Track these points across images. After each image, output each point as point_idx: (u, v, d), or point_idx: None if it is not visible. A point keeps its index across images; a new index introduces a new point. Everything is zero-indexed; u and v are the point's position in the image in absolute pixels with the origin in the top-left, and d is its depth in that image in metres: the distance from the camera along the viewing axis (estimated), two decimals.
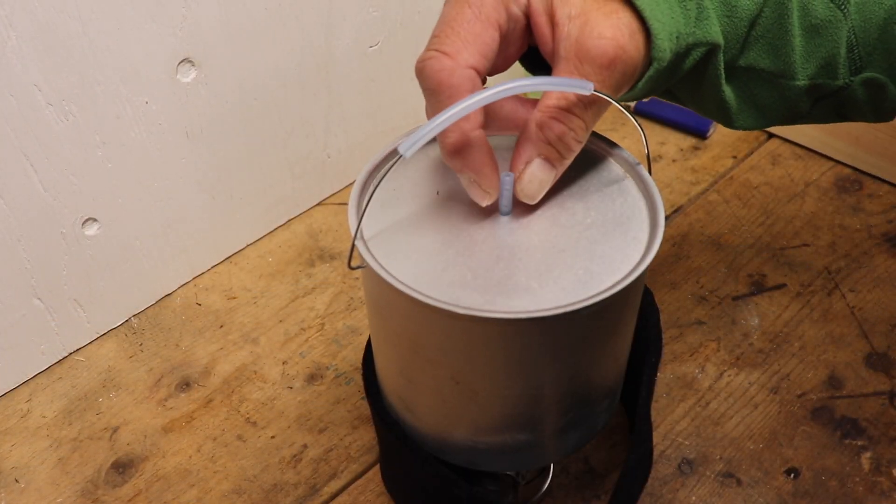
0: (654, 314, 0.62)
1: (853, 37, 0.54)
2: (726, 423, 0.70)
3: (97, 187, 0.71)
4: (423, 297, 0.45)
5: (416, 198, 0.52)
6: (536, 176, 0.48)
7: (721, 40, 0.53)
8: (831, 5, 0.54)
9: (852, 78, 0.55)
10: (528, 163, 0.48)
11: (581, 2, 0.47)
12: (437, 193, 0.52)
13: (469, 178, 0.48)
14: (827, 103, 0.57)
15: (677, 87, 0.58)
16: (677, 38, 0.51)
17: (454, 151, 0.46)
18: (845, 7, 0.54)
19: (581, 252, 0.48)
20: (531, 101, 0.50)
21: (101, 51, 0.66)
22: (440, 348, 0.48)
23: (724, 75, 0.55)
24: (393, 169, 0.52)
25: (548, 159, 0.48)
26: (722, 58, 0.54)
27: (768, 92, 0.57)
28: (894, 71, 0.54)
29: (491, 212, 0.50)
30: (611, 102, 0.48)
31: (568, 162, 0.49)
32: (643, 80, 0.50)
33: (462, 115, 0.44)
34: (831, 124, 0.92)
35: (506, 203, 0.49)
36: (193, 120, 0.75)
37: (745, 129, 0.59)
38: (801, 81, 0.55)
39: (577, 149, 0.49)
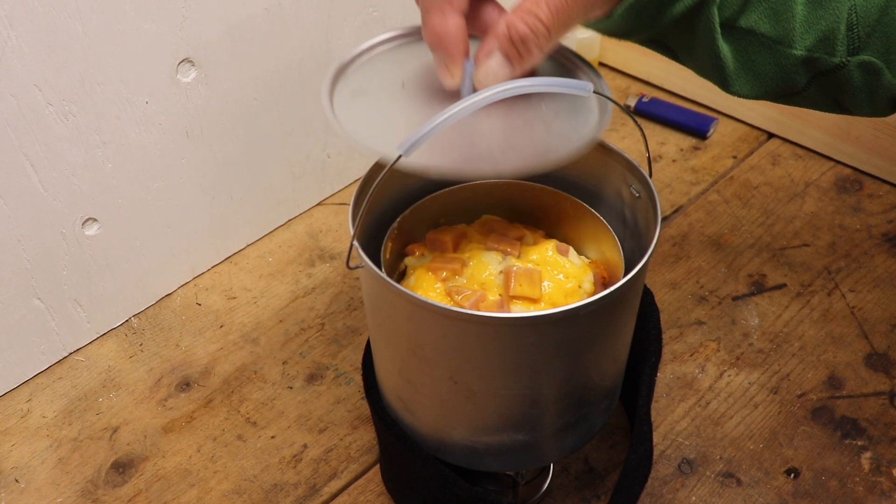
0: (654, 314, 0.62)
1: (854, 15, 0.55)
2: (726, 423, 0.70)
3: (97, 187, 0.72)
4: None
5: (383, 89, 0.54)
6: (492, 69, 0.50)
7: None
8: None
9: (849, 58, 0.55)
10: (488, 55, 0.50)
11: None
12: (402, 85, 0.54)
13: (440, 57, 0.51)
14: (823, 83, 0.57)
15: (670, 38, 0.58)
16: None
17: (434, 31, 0.50)
18: None
19: (538, 130, 0.51)
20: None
21: (101, 51, 0.66)
22: (438, 348, 0.48)
23: (719, 31, 0.56)
24: (360, 66, 0.56)
25: (507, 56, 0.50)
26: (717, 11, 0.55)
27: (765, 58, 0.57)
28: (890, 56, 0.55)
29: (453, 98, 0.52)
30: (576, 26, 0.51)
31: (527, 65, 0.51)
32: (622, 6, 0.52)
33: (462, 115, 0.44)
34: (832, 124, 0.93)
35: (467, 89, 0.51)
36: (193, 120, 0.75)
37: (741, 95, 0.59)
38: (799, 51, 0.56)
39: (537, 54, 0.50)
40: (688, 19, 0.55)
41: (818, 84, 0.57)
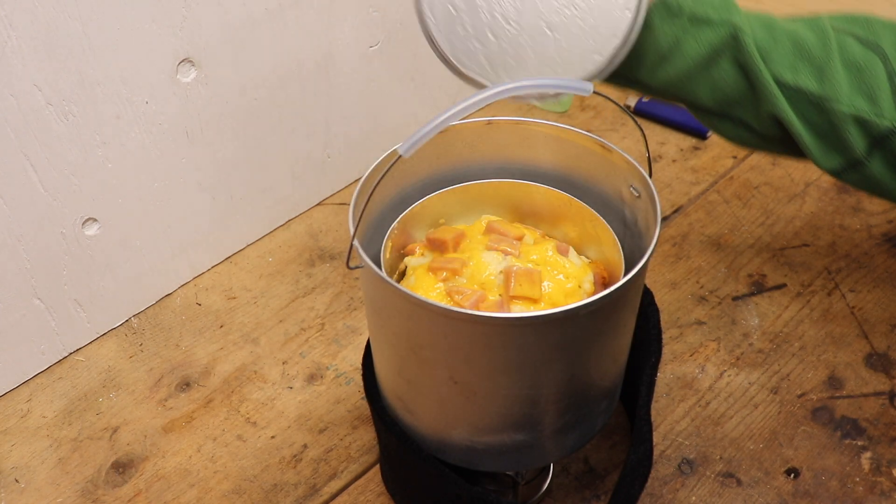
0: (654, 314, 0.62)
1: None
2: (726, 423, 0.70)
3: (97, 187, 0.72)
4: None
5: None
6: None
7: (742, 25, 0.59)
8: (865, 49, 0.60)
9: None
10: None
11: None
12: None
13: None
14: (885, 153, 0.60)
15: (734, 107, 0.63)
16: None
17: None
18: (880, 52, 0.59)
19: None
20: None
21: (101, 51, 0.66)
22: (438, 348, 0.48)
23: (771, 78, 0.60)
24: None
25: None
26: (755, 48, 0.59)
27: (819, 116, 0.61)
28: None
29: None
30: None
31: None
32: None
33: (463, 114, 0.44)
34: None
35: None
36: (193, 120, 0.75)
37: (827, 169, 0.63)
38: (846, 108, 0.59)
39: None
40: (735, 66, 0.61)
41: (880, 154, 0.60)
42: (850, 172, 0.62)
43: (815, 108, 0.60)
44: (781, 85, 0.60)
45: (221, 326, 0.80)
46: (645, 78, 0.64)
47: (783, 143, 0.64)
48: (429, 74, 0.94)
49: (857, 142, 0.60)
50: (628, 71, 0.64)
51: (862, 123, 0.59)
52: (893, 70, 0.58)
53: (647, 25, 0.61)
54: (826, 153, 0.62)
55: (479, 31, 0.58)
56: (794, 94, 0.60)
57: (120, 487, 0.68)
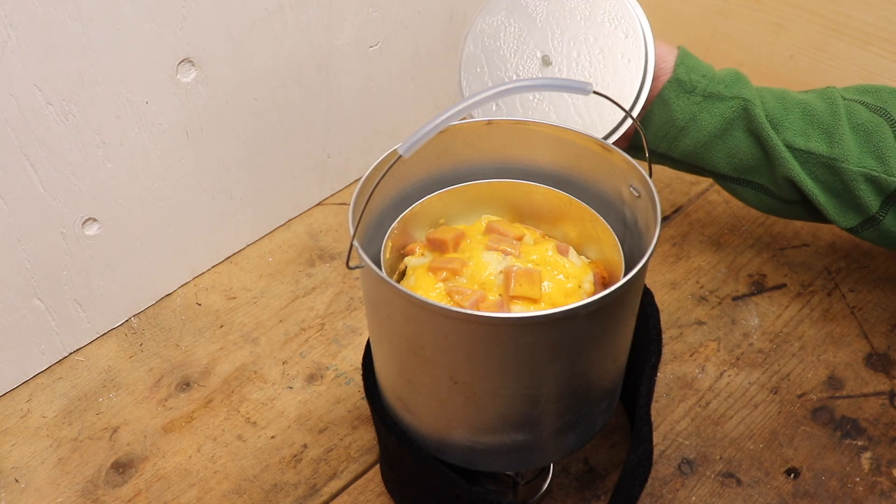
0: (654, 314, 0.62)
1: None
2: (726, 423, 0.70)
3: (97, 187, 0.72)
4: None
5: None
6: None
7: (752, 98, 0.65)
8: (872, 114, 0.64)
9: None
10: None
11: None
12: None
13: None
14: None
15: (751, 172, 0.69)
16: (703, 75, 0.67)
17: None
18: (887, 116, 0.63)
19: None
20: None
21: (101, 51, 0.66)
22: (438, 348, 0.48)
23: (781, 143, 0.65)
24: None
25: None
26: (765, 117, 0.65)
27: (831, 176, 0.65)
28: None
29: None
30: None
31: None
32: (668, 92, 0.64)
33: (462, 114, 0.44)
34: None
35: None
36: (193, 120, 0.75)
37: (845, 227, 0.67)
38: (856, 167, 0.63)
39: None
40: (747, 132, 0.66)
41: (894, 210, 0.64)
42: (867, 229, 0.66)
43: (827, 169, 0.64)
44: (793, 149, 0.64)
45: (221, 326, 0.80)
46: (666, 150, 0.70)
47: (804, 207, 0.69)
48: (429, 74, 0.94)
49: (870, 199, 0.64)
50: (651, 144, 0.70)
51: (872, 181, 0.63)
52: None
53: (663, 102, 0.68)
54: (842, 212, 0.66)
55: (507, 99, 0.68)
56: (806, 157, 0.64)
57: (120, 487, 0.68)
